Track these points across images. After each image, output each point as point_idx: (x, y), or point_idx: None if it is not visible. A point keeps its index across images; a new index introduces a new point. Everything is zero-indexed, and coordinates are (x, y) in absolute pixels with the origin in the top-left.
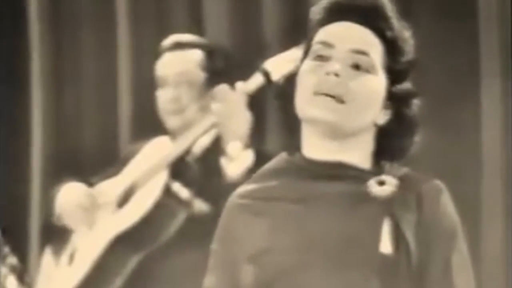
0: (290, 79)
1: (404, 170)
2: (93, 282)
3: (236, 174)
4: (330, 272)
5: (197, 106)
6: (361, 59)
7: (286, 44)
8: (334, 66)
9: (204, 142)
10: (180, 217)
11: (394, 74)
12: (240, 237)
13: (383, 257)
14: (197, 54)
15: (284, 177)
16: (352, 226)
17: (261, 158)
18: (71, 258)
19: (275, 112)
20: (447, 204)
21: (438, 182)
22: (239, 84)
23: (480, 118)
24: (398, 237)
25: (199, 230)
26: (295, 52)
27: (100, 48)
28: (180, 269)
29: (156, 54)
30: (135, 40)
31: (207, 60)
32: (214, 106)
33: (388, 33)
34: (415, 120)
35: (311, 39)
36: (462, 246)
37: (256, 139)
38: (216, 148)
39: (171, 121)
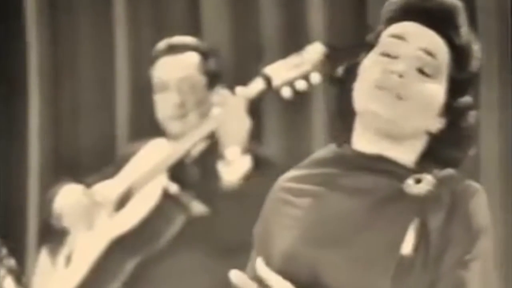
0: (350, 71)
1: (448, 171)
2: (91, 285)
3: (233, 179)
4: (346, 265)
5: (198, 110)
6: (428, 62)
7: (284, 47)
8: (400, 66)
9: (202, 145)
10: (179, 220)
11: (456, 85)
12: (278, 219)
13: (401, 258)
14: (195, 57)
15: (329, 166)
16: (380, 222)
17: (259, 163)
18: (68, 259)
19: (273, 117)
20: (479, 206)
21: (475, 184)
22: (239, 89)
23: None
24: (421, 238)
25: (197, 233)
26: (296, 59)
27: (97, 49)
28: (178, 272)
29: (151, 58)
30: (133, 42)
31: (203, 62)
32: (215, 111)
33: (457, 41)
34: (470, 132)
35: (378, 34)
36: (484, 248)
37: (254, 144)
38: (215, 151)
39: (173, 126)
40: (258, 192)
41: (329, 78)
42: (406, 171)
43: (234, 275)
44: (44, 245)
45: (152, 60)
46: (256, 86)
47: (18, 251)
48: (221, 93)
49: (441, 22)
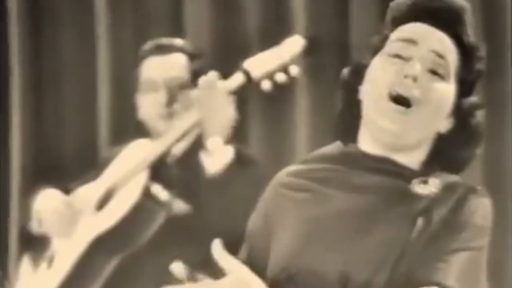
0: (355, 73)
1: (453, 177)
2: (72, 284)
3: (215, 169)
4: (348, 261)
5: (185, 110)
6: (439, 64)
7: (267, 44)
8: (415, 68)
9: (184, 142)
10: (159, 219)
11: (465, 85)
12: (279, 213)
13: (402, 253)
14: (182, 58)
15: (334, 163)
16: (384, 220)
17: (240, 159)
18: (50, 261)
19: (256, 114)
20: (479, 207)
21: (479, 188)
22: (219, 83)
23: None
24: (424, 236)
25: (179, 232)
26: (275, 51)
27: (79, 53)
28: (160, 271)
29: (137, 58)
30: (114, 44)
31: (189, 63)
32: (197, 94)
33: (465, 41)
34: (478, 131)
35: (385, 37)
36: (477, 245)
37: (238, 141)
38: (196, 149)
39: (159, 125)
40: (242, 187)
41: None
42: (412, 173)
43: (216, 245)
44: (26, 251)
45: (138, 60)
46: (236, 79)
47: (0, 257)
48: (208, 77)
49: (449, 22)
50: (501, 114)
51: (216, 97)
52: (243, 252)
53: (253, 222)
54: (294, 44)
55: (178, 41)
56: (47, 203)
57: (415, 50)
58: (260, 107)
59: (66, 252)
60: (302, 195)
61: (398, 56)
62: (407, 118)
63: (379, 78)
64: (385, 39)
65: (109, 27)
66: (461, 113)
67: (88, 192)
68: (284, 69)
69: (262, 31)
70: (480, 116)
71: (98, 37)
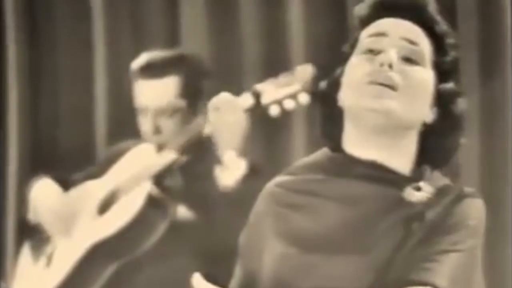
0: (332, 84)
1: (444, 180)
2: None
3: (230, 183)
4: (343, 273)
5: (177, 133)
6: (412, 50)
7: (264, 58)
8: (389, 55)
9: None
10: (161, 227)
11: (441, 72)
12: (270, 225)
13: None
14: (174, 81)
15: (324, 173)
16: (380, 230)
17: (254, 172)
18: (49, 259)
19: (254, 132)
20: (469, 210)
21: (473, 190)
22: (235, 100)
23: None
24: (416, 240)
25: (183, 239)
26: (286, 78)
27: (77, 47)
28: (159, 278)
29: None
30: (112, 41)
31: (184, 83)
32: (211, 114)
33: (436, 28)
34: (460, 118)
35: (355, 38)
36: (467, 247)
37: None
38: (201, 155)
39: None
40: (248, 197)
41: (312, 94)
42: (403, 179)
43: (196, 277)
44: (26, 240)
45: (131, 76)
46: (245, 101)
47: None
48: (220, 97)
49: (415, 14)
50: (501, 114)
51: (230, 112)
52: (238, 271)
53: (246, 237)
54: (305, 72)
55: (170, 55)
56: (44, 198)
57: (386, 41)
58: (258, 125)
59: (66, 252)
60: (293, 208)
61: (370, 51)
62: (394, 97)
63: (356, 73)
64: (355, 43)
65: (107, 26)
66: (442, 101)
67: (89, 192)
68: (294, 96)
69: (258, 45)
70: (461, 103)
71: (95, 33)
